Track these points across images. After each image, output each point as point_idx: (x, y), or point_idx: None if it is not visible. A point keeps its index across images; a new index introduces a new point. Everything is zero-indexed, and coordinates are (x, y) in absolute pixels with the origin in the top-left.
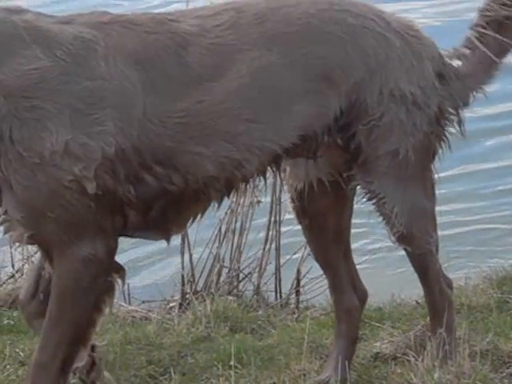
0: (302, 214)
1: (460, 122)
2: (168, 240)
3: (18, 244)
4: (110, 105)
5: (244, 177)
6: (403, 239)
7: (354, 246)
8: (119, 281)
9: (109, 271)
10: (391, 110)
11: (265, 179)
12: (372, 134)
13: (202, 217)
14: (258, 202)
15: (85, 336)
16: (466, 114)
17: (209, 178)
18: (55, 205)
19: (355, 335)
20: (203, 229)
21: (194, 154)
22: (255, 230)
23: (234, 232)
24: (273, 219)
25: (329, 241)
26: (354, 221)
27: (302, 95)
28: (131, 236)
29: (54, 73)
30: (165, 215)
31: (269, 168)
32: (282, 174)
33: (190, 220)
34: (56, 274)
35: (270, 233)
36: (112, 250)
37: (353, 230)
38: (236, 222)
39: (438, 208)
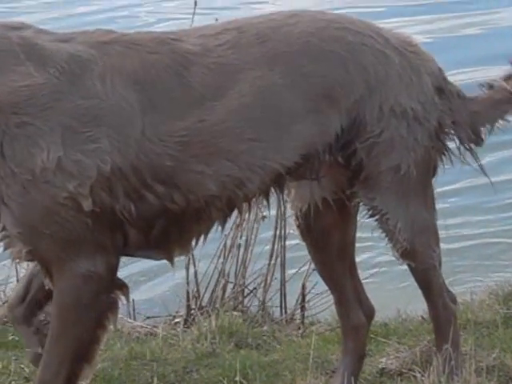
0: (307, 232)
1: (473, 155)
2: (171, 261)
3: (18, 260)
4: (106, 123)
5: (246, 196)
6: (407, 255)
7: (358, 259)
8: (122, 298)
9: (110, 288)
10: (392, 126)
11: (267, 200)
12: (373, 151)
13: (205, 238)
14: (264, 217)
15: (88, 353)
16: None
17: (210, 196)
18: (50, 222)
19: (362, 352)
20: (208, 243)
21: (196, 172)
22: (260, 245)
23: (239, 247)
24: (278, 233)
25: (334, 257)
26: (358, 234)
27: (303, 115)
28: (133, 255)
29: (45, 90)
30: (167, 235)
31: (271, 189)
32: (287, 196)
33: (193, 241)
34: (56, 291)
35: (275, 247)
36: (113, 267)
37: (357, 244)
38: (241, 236)
39: (443, 222)
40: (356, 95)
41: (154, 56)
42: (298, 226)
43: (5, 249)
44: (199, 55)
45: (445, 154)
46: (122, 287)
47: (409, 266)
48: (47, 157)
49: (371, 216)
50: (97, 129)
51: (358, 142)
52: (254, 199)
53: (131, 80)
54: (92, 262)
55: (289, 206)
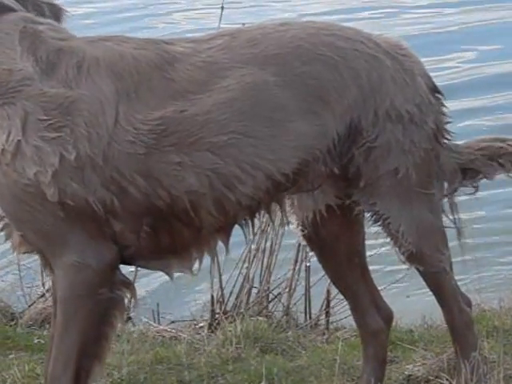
0: (313, 240)
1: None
2: (169, 274)
3: (16, 252)
4: (73, 112)
5: (239, 202)
6: (413, 258)
7: (380, 266)
8: (129, 296)
9: (110, 283)
10: (387, 130)
11: (269, 212)
12: (370, 156)
13: (210, 254)
14: (288, 222)
15: (97, 349)
16: None
17: (194, 193)
18: (21, 209)
19: (383, 357)
20: (232, 248)
21: (174, 163)
22: (285, 250)
23: (263, 252)
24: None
25: (343, 264)
26: (382, 240)
27: (298, 113)
28: (134, 264)
29: (18, 76)
30: (157, 237)
31: (269, 200)
32: (290, 207)
33: (193, 254)
34: (54, 282)
35: (300, 253)
36: (107, 261)
37: (381, 250)
38: (266, 241)
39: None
40: (349, 99)
41: (139, 51)
42: (305, 236)
43: (6, 239)
44: (187, 55)
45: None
46: (127, 284)
47: (417, 270)
48: (6, 139)
49: (374, 222)
50: (61, 117)
51: (355, 147)
52: (252, 210)
53: (109, 70)
54: (81, 253)
55: (294, 216)
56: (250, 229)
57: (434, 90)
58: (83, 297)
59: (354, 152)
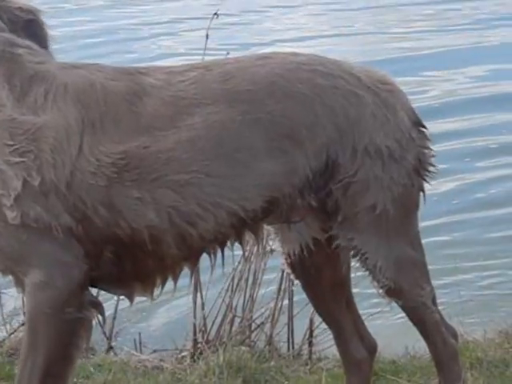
0: (298, 269)
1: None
2: (130, 298)
3: None
4: (39, 138)
5: (202, 237)
6: (391, 293)
7: (362, 294)
8: (98, 316)
9: (78, 302)
10: (366, 166)
11: (241, 242)
12: (348, 191)
13: (174, 280)
14: (272, 250)
15: (61, 372)
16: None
17: (154, 228)
18: None
19: None
20: (215, 276)
21: (134, 198)
22: (268, 279)
23: (246, 281)
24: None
25: (328, 294)
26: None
27: (264, 153)
28: (95, 287)
29: None
30: (120, 264)
31: (238, 232)
32: (273, 241)
33: (157, 281)
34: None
35: (283, 283)
36: (76, 280)
37: (363, 279)
38: (249, 270)
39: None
40: (323, 138)
41: (110, 82)
42: (289, 264)
43: None
44: (158, 88)
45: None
46: (96, 305)
47: (397, 303)
48: None
49: (352, 256)
50: (26, 143)
51: (332, 183)
52: (222, 242)
53: (75, 98)
54: (47, 272)
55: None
56: (221, 255)
57: (418, 123)
58: (49, 315)
59: (331, 187)
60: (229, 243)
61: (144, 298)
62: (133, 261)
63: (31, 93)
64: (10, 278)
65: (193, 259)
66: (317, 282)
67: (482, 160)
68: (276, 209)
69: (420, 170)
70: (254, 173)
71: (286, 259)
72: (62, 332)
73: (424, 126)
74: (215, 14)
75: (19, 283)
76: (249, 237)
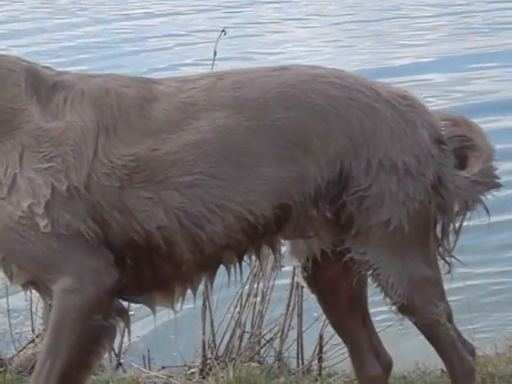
0: (314, 284)
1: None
2: (151, 307)
3: (14, 285)
4: (62, 142)
5: (212, 240)
6: (405, 310)
7: (374, 310)
8: (122, 325)
9: (106, 309)
10: (381, 180)
11: (258, 256)
12: (362, 204)
13: (193, 291)
14: (281, 266)
15: (77, 378)
16: None
17: (165, 229)
18: (14, 240)
19: None
20: (224, 292)
21: (143, 199)
22: (277, 294)
23: (255, 296)
24: (295, 283)
25: (344, 309)
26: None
27: (270, 159)
28: (119, 296)
29: (22, 115)
30: (140, 271)
31: (253, 242)
32: (284, 255)
33: (174, 288)
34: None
35: (292, 298)
36: (107, 286)
37: (375, 296)
38: (258, 286)
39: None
40: (336, 148)
41: (123, 89)
42: (305, 278)
43: (3, 272)
44: (168, 94)
45: (447, 210)
46: (122, 313)
47: (410, 320)
48: (4, 173)
49: (365, 271)
50: (52, 148)
51: (346, 194)
52: (238, 252)
53: (91, 103)
54: (78, 278)
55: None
56: (237, 271)
57: (440, 141)
58: (75, 320)
59: (345, 198)
60: (246, 257)
61: (151, 315)
62: (151, 267)
63: (53, 100)
64: (32, 289)
65: (209, 270)
66: (333, 297)
67: None
68: (289, 217)
69: (438, 187)
70: (258, 177)
71: (301, 273)
72: (86, 338)
73: (445, 144)
74: (223, 30)
75: (46, 292)
76: (267, 251)
